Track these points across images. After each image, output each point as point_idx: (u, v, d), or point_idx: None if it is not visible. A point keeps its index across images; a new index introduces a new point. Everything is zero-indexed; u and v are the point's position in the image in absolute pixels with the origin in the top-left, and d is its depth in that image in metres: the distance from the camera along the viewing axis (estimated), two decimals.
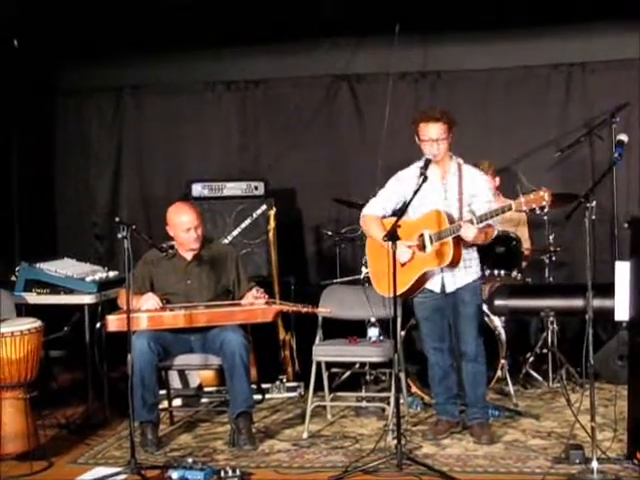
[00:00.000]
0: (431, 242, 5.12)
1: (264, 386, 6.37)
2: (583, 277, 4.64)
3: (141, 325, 5.33)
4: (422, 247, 5.17)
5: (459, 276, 5.23)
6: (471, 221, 5.00)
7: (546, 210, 4.88)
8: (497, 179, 6.59)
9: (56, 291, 5.96)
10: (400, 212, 5.06)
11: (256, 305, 5.46)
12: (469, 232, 5.01)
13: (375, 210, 5.37)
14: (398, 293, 4.90)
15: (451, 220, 5.10)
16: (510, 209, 4.92)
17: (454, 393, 5.42)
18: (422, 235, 5.16)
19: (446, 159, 5.24)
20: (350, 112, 7.58)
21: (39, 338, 5.16)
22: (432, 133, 5.15)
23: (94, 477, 4.80)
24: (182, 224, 5.54)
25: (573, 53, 7.15)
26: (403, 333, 5.92)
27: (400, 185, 5.28)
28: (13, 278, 6.09)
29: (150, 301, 5.44)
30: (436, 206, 5.16)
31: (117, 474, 4.79)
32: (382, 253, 5.04)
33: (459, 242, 5.10)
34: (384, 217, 5.31)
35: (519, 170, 6.77)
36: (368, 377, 6.40)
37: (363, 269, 6.26)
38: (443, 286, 5.25)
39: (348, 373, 6.51)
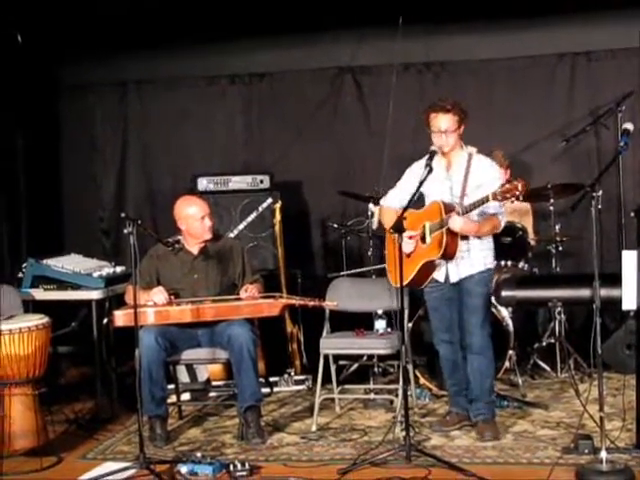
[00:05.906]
0: (430, 233, 5.12)
1: (272, 379, 6.37)
2: (590, 267, 4.63)
3: (148, 320, 5.33)
4: (423, 238, 5.17)
5: (463, 267, 5.18)
6: (458, 213, 4.99)
7: (520, 200, 4.86)
8: (508, 171, 6.53)
9: (63, 287, 5.97)
10: (407, 204, 5.03)
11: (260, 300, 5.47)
12: (455, 224, 4.98)
13: (391, 201, 5.38)
14: (404, 283, 4.90)
15: (448, 211, 5.06)
16: (488, 200, 4.86)
17: (465, 386, 5.35)
18: (424, 226, 5.16)
19: (456, 150, 5.19)
20: (355, 104, 7.55)
21: (47, 334, 5.17)
22: (441, 124, 5.11)
23: (103, 472, 4.81)
24: (195, 214, 5.56)
25: (578, 42, 7.11)
26: (410, 325, 5.92)
27: (412, 176, 5.25)
28: (20, 274, 6.11)
29: (159, 295, 5.44)
30: (442, 197, 5.13)
31: (126, 469, 4.79)
32: (392, 244, 5.11)
33: (453, 234, 5.06)
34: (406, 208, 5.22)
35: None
36: (376, 369, 6.40)
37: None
38: (447, 276, 5.22)
39: (356, 365, 6.52)
